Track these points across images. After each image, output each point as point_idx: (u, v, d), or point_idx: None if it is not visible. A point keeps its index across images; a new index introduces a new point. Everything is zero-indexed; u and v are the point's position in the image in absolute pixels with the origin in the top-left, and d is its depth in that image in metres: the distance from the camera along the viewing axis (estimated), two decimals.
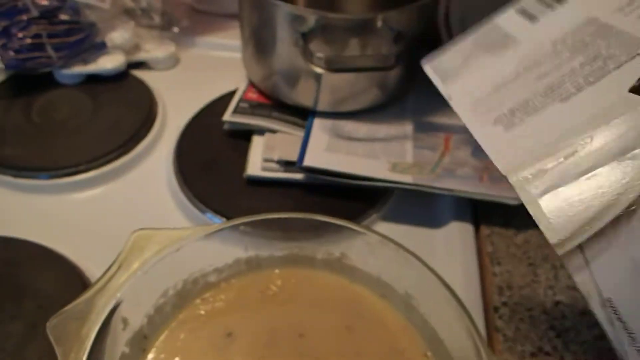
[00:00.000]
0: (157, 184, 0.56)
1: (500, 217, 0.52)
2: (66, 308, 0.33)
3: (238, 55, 0.67)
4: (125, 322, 0.35)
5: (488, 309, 0.45)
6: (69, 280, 0.45)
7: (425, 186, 0.50)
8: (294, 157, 0.53)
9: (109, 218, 0.53)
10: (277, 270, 0.42)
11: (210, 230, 0.39)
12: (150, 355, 0.36)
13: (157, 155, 0.60)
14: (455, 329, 0.35)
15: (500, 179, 0.51)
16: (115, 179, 0.57)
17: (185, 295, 0.39)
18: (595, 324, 0.44)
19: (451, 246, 0.51)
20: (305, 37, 0.51)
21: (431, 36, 0.57)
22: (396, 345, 0.38)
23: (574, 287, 0.46)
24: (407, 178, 0.51)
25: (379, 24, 0.51)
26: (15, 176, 0.55)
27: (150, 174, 0.58)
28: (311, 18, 0.51)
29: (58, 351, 0.31)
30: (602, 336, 0.43)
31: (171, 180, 0.56)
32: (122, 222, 0.52)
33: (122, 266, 0.36)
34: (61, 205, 0.54)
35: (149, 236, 0.38)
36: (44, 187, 0.55)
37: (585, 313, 0.44)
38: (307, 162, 0.52)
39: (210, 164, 0.57)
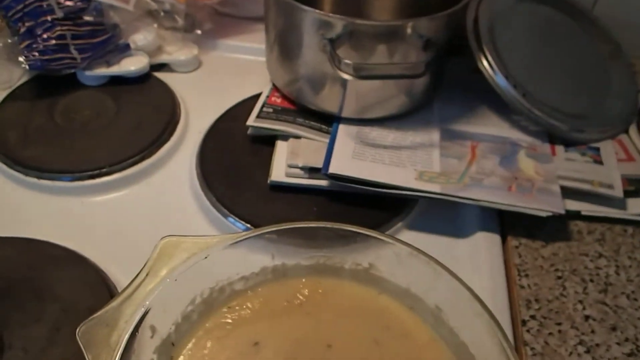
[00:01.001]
0: (180, 188, 0.56)
1: (527, 228, 0.51)
2: (95, 315, 0.33)
3: (261, 58, 0.67)
4: (153, 330, 0.35)
5: (516, 323, 0.44)
6: (92, 284, 0.45)
7: (453, 196, 0.50)
8: (318, 163, 0.53)
9: (132, 221, 0.53)
10: (303, 280, 0.41)
11: (237, 238, 0.39)
12: None
13: (180, 159, 0.59)
14: (487, 343, 0.34)
15: (529, 189, 0.51)
16: (138, 182, 0.57)
17: (212, 303, 0.39)
18: (626, 340, 0.43)
19: (477, 257, 0.50)
20: (333, 43, 0.51)
21: (459, 43, 0.57)
22: (424, 358, 0.37)
23: (603, 302, 0.46)
24: (434, 187, 0.50)
25: (409, 31, 0.50)
26: (39, 177, 0.55)
27: (173, 177, 0.57)
28: (339, 24, 0.50)
29: (88, 357, 0.31)
30: (633, 354, 0.42)
31: (194, 185, 0.55)
32: (146, 225, 0.52)
33: (150, 273, 0.36)
34: (84, 208, 0.54)
35: (176, 244, 0.38)
36: (67, 189, 0.55)
37: (616, 328, 0.44)
38: (333, 169, 0.51)
39: (234, 169, 0.56)
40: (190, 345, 0.37)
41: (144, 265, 0.36)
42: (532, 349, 0.42)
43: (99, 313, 0.33)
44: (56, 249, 0.48)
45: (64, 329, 0.42)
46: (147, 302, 0.34)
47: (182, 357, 0.36)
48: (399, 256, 0.39)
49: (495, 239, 0.51)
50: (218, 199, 0.53)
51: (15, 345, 0.41)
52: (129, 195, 0.56)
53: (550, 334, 0.43)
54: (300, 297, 0.40)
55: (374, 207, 0.53)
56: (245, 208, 0.52)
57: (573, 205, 0.53)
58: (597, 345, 0.43)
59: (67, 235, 0.49)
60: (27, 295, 0.44)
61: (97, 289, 0.45)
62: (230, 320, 0.39)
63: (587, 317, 0.45)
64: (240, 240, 0.39)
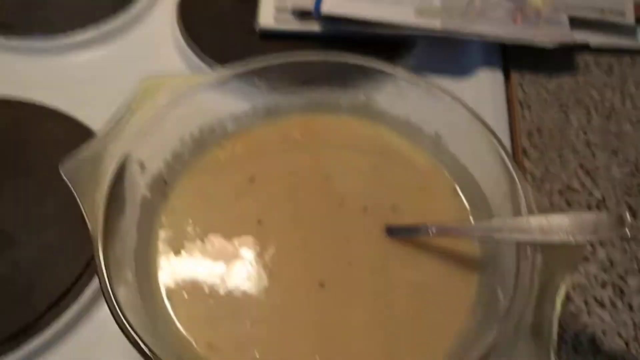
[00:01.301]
0: (161, 42, 0.53)
1: (531, 63, 0.49)
2: (79, 150, 0.32)
3: None
4: (142, 166, 0.34)
5: (517, 152, 0.43)
6: (76, 136, 0.43)
7: (455, 32, 0.47)
8: (309, 5, 0.49)
9: (114, 77, 0.49)
10: (297, 117, 0.39)
11: (225, 73, 0.37)
12: (173, 200, 0.35)
13: (160, 11, 0.55)
14: (487, 160, 0.33)
15: (535, 20, 0.47)
16: (117, 39, 0.53)
17: (203, 143, 0.38)
18: (626, 161, 0.42)
19: (479, 95, 0.48)
20: None
21: None
22: (424, 183, 0.36)
23: (607, 129, 0.44)
24: (435, 23, 0.47)
25: None
26: (6, 36, 0.52)
27: (153, 32, 0.54)
28: None
29: (76, 192, 0.30)
30: (632, 174, 0.42)
31: (177, 38, 0.52)
32: (128, 83, 0.50)
33: (134, 112, 0.34)
34: (63, 67, 0.51)
35: (160, 84, 0.36)
36: (41, 48, 0.52)
37: (617, 152, 0.43)
38: (326, 8, 0.47)
39: (219, 18, 0.53)
40: (183, 182, 0.36)
41: (128, 101, 0.34)
42: (532, 175, 0.42)
43: (82, 148, 0.32)
44: (36, 108, 0.46)
45: (54, 182, 0.41)
46: (132, 138, 0.33)
47: (176, 194, 0.36)
48: (398, 86, 0.37)
49: (498, 76, 0.49)
50: (204, 50, 0.50)
51: (6, 197, 0.40)
52: (109, 53, 0.52)
53: (551, 160, 0.43)
54: (296, 134, 0.39)
55: (371, 52, 0.50)
56: (233, 58, 0.49)
57: (581, 36, 0.50)
58: (597, 168, 0.42)
59: (47, 94, 0.46)
60: (10, 151, 0.43)
61: (83, 140, 0.43)
62: (223, 159, 0.38)
63: (589, 144, 0.44)
64: (229, 77, 0.37)
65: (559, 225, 0.28)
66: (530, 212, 0.30)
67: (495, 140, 0.33)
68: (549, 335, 0.26)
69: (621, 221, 0.26)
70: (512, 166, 0.31)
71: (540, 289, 0.27)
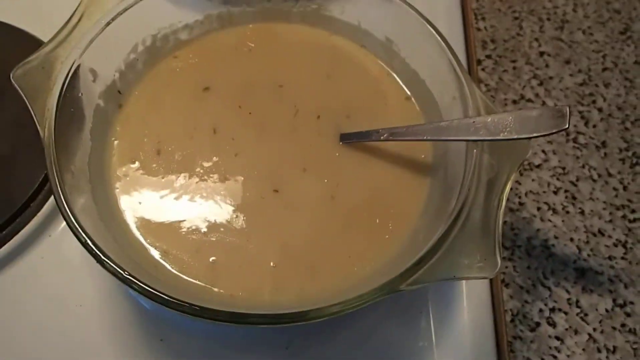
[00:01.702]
0: None
1: None
2: (29, 58, 0.32)
3: None
4: (94, 73, 0.34)
5: (471, 62, 0.44)
6: (28, 48, 0.42)
7: None
8: None
9: None
10: (251, 26, 0.39)
11: None
12: (127, 109, 0.35)
13: None
14: (437, 64, 0.34)
15: None
16: None
17: (157, 52, 0.37)
18: (579, 71, 0.43)
19: (435, 5, 0.47)
20: None
21: None
22: (377, 90, 0.37)
23: (559, 38, 0.45)
24: None
25: None
26: None
27: None
28: None
29: (27, 99, 0.30)
30: (584, 83, 0.43)
31: None
32: None
33: (83, 18, 0.34)
34: None
35: None
36: None
37: (570, 62, 0.44)
38: None
39: None
40: (137, 92, 0.36)
41: (76, 9, 0.34)
42: (486, 85, 0.43)
43: (32, 56, 0.32)
44: None
45: (8, 93, 0.40)
46: (83, 44, 0.32)
47: (130, 103, 0.36)
48: None
49: None
50: None
51: None
52: None
53: (504, 70, 0.43)
54: (249, 42, 0.39)
55: None
56: None
57: None
58: (551, 77, 0.43)
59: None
60: None
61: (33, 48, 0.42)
62: (177, 69, 0.38)
63: (542, 53, 0.44)
64: None
65: (503, 124, 0.28)
66: (478, 113, 0.31)
67: (443, 43, 0.33)
68: (495, 230, 0.27)
69: (561, 114, 0.26)
70: (460, 69, 0.32)
71: (488, 188, 0.29)
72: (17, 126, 0.38)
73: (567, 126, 0.27)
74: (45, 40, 0.42)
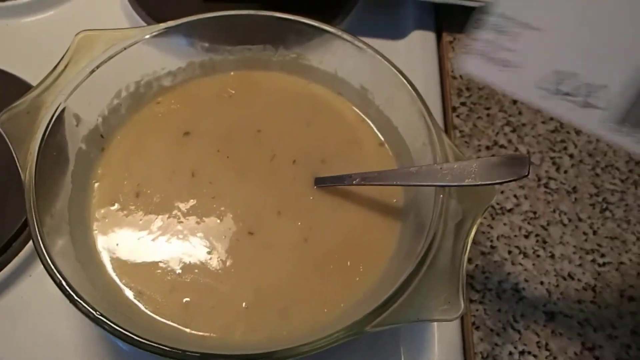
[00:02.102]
0: (108, 5, 0.53)
1: (462, 23, 0.51)
2: (15, 103, 0.33)
3: None
4: (77, 118, 0.35)
5: (447, 110, 0.46)
6: (17, 92, 0.44)
7: None
8: None
9: (59, 37, 0.48)
10: (232, 73, 0.41)
11: (160, 27, 0.38)
12: (109, 153, 0.37)
13: None
14: (408, 112, 0.35)
15: None
16: (62, 3, 0.54)
17: (140, 98, 0.39)
18: (551, 119, 0.45)
19: (413, 54, 0.50)
20: None
21: None
22: (353, 135, 0.38)
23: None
24: None
25: None
26: None
27: None
28: None
29: (11, 143, 0.31)
30: (555, 130, 0.44)
31: (124, 1, 0.53)
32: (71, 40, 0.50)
33: (70, 65, 0.35)
34: (9, 29, 0.51)
35: (95, 37, 0.37)
36: None
37: (541, 110, 0.45)
38: None
39: None
40: (119, 136, 0.37)
41: (62, 57, 0.35)
42: (460, 131, 0.44)
43: (18, 102, 0.33)
44: None
45: None
46: (68, 90, 0.34)
47: (112, 147, 0.37)
48: (325, 41, 0.39)
49: (430, 36, 0.51)
50: (150, 14, 0.51)
51: None
52: (56, 14, 0.53)
53: (479, 117, 0.45)
54: (230, 89, 0.40)
55: (310, 12, 0.51)
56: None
57: None
58: (524, 124, 0.45)
59: None
60: None
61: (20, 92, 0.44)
62: (159, 114, 0.39)
63: (515, 102, 0.46)
64: (164, 31, 0.38)
65: (467, 170, 0.30)
66: (446, 159, 0.32)
67: (414, 93, 0.34)
68: (459, 273, 0.28)
69: (521, 162, 0.27)
70: (429, 117, 0.33)
71: (455, 232, 0.30)
72: (3, 167, 0.39)
73: (527, 174, 0.28)
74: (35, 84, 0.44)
